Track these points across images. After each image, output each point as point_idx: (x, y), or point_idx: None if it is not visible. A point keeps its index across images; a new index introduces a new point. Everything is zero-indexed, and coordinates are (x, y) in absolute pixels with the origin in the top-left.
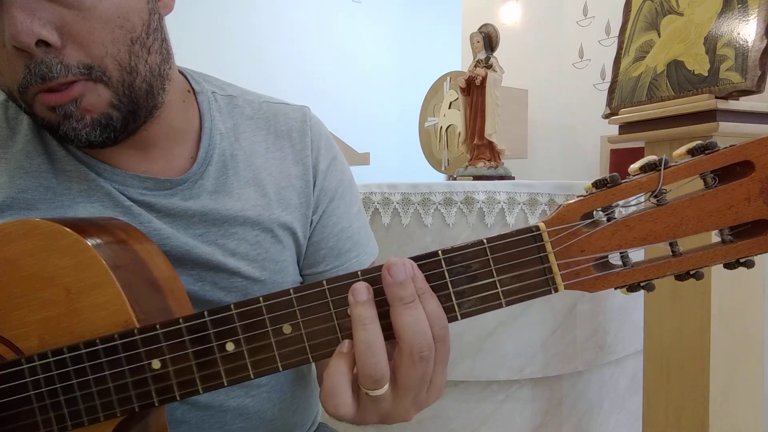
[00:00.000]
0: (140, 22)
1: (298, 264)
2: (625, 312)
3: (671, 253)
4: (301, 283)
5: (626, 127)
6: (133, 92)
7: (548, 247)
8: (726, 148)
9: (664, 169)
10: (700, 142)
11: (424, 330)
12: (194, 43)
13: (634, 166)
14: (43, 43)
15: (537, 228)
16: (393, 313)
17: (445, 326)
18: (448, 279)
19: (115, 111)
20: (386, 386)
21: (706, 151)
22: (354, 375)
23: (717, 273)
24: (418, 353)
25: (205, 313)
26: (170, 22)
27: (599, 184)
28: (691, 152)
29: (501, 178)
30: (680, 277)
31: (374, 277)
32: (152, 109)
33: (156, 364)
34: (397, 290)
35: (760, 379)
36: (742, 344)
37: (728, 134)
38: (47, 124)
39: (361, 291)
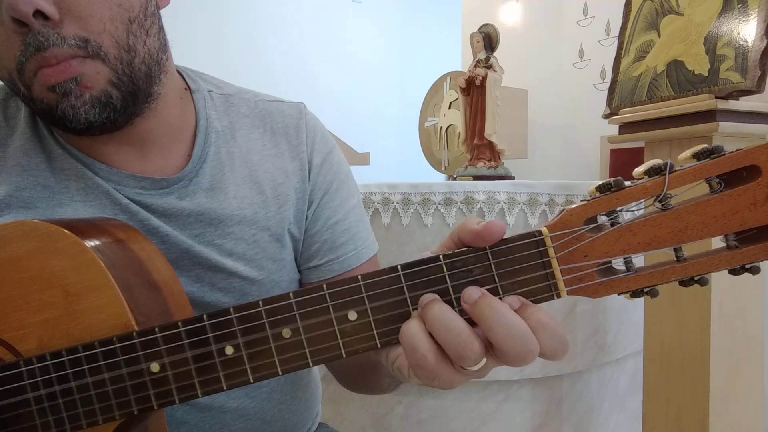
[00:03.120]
0: (138, 4)
1: (296, 261)
2: (625, 312)
3: (675, 259)
4: (300, 279)
5: (626, 127)
6: (133, 72)
7: (551, 252)
8: (732, 152)
9: (669, 173)
10: (705, 146)
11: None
12: (194, 43)
13: (639, 170)
14: (41, 15)
15: (540, 233)
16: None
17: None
18: (449, 284)
19: (114, 89)
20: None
21: (712, 156)
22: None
23: (717, 273)
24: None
25: (205, 316)
26: (170, 22)
27: (603, 189)
28: (697, 156)
29: (501, 178)
30: (684, 283)
31: (375, 282)
32: (149, 97)
33: (155, 367)
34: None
35: (760, 379)
36: (742, 344)
37: (728, 134)
38: (45, 107)
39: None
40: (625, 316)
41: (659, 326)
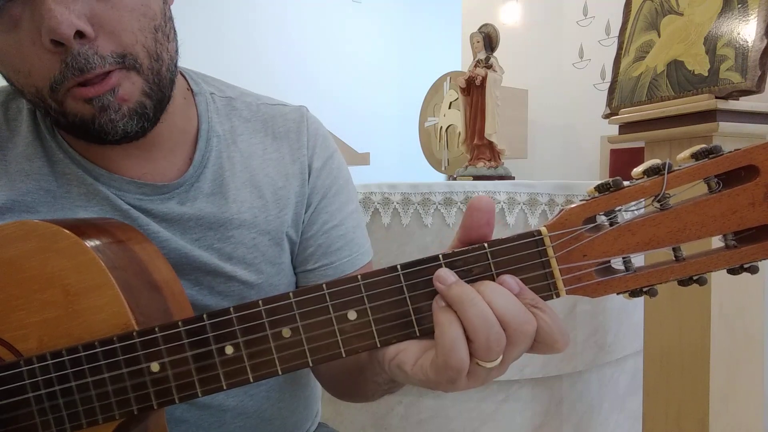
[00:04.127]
0: (159, 11)
1: (292, 263)
2: (625, 312)
3: (674, 258)
4: (296, 283)
5: (626, 127)
6: (161, 80)
7: (550, 251)
8: (730, 152)
9: (668, 173)
10: (704, 146)
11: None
12: (194, 43)
13: (637, 170)
14: (78, 35)
15: (539, 232)
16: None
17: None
18: None
19: (147, 99)
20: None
21: (710, 155)
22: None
23: (717, 273)
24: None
25: (205, 316)
26: None
27: (602, 188)
28: (695, 156)
29: (501, 178)
30: (683, 283)
31: (375, 281)
32: (168, 103)
33: (155, 366)
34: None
35: (760, 379)
36: (742, 344)
37: (728, 134)
38: (79, 121)
39: (448, 274)
40: (625, 316)
41: (659, 326)
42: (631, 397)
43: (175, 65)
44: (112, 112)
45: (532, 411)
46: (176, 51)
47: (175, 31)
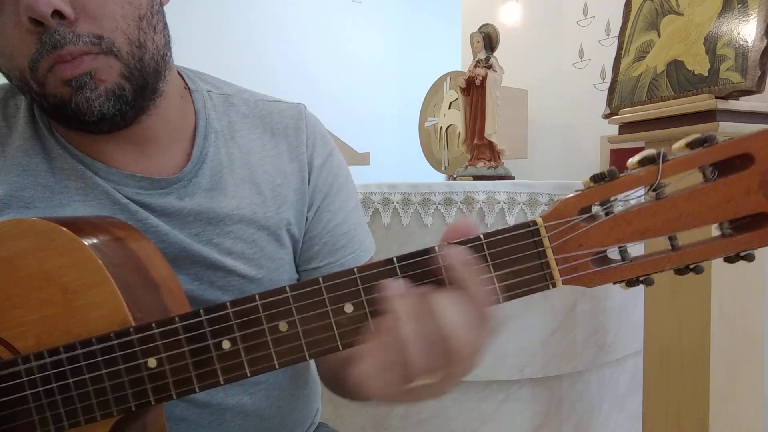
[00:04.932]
0: (146, 2)
1: (295, 261)
2: (625, 311)
3: (670, 247)
4: (297, 280)
5: (626, 127)
6: (143, 67)
7: (546, 241)
8: (725, 141)
9: (663, 162)
10: (698, 135)
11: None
12: (194, 42)
13: (633, 160)
14: (57, 14)
15: (534, 223)
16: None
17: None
18: (445, 275)
19: (126, 82)
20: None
21: (705, 145)
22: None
23: (717, 272)
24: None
25: (201, 311)
26: (170, 22)
27: (597, 179)
28: (690, 145)
29: (501, 178)
30: (680, 271)
31: (372, 274)
32: (155, 93)
33: (152, 362)
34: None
35: (760, 379)
36: (742, 344)
37: (728, 134)
38: (58, 101)
39: (393, 286)
40: (625, 316)
41: (659, 326)
42: (631, 397)
43: (162, 57)
44: (88, 91)
45: (532, 411)
46: (165, 44)
47: (165, 24)
